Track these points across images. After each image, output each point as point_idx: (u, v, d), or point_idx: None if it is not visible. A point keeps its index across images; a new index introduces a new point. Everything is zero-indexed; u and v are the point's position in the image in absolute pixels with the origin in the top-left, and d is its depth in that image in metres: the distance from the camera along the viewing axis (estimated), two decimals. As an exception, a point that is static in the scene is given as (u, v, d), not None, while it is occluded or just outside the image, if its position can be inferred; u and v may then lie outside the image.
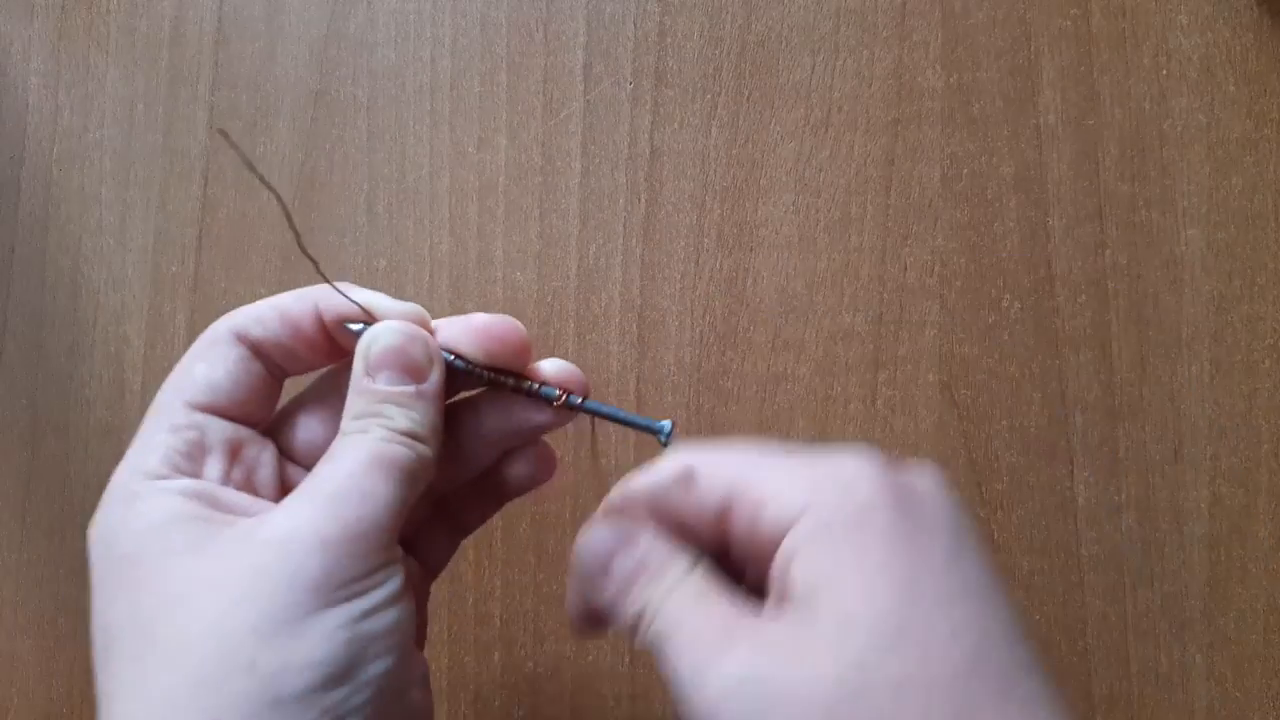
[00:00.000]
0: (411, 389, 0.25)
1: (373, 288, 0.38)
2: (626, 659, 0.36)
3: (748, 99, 0.37)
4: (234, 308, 0.38)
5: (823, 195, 0.36)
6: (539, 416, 0.28)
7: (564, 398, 0.27)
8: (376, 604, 0.23)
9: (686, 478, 0.23)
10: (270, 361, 0.27)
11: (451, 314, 0.37)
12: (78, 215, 0.40)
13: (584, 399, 0.28)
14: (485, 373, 0.27)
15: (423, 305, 0.37)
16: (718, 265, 0.36)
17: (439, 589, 0.36)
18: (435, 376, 0.26)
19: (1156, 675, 0.34)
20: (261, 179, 0.24)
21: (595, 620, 0.24)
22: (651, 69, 0.37)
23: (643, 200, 0.37)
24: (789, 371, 0.36)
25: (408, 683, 0.24)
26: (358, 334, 0.26)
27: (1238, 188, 0.35)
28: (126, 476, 0.24)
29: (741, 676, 0.20)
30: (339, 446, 0.24)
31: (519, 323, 0.27)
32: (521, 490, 0.30)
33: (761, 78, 0.37)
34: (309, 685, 0.21)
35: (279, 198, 0.25)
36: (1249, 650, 0.33)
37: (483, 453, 0.29)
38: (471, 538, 0.37)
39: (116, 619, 0.23)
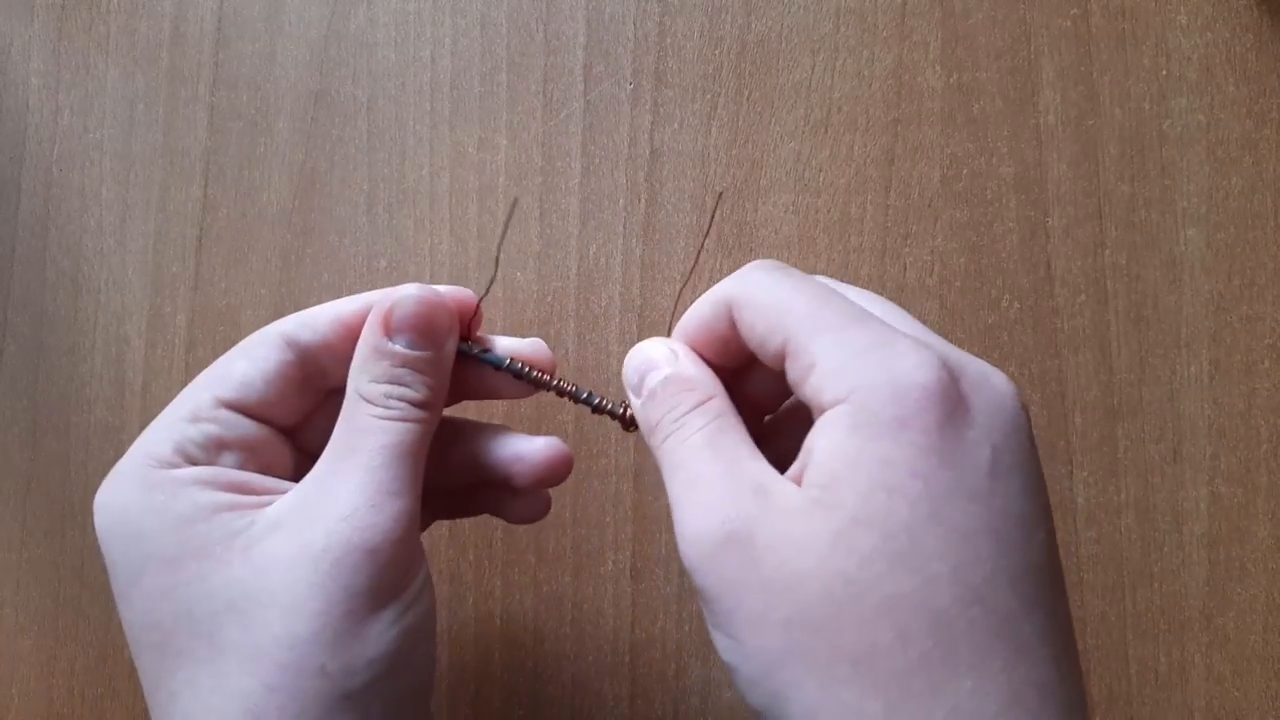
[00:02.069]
0: (430, 354, 0.25)
1: (373, 287, 0.38)
2: (627, 659, 0.36)
3: (748, 99, 0.37)
4: (234, 308, 0.38)
5: (823, 195, 0.36)
6: (509, 390, 0.28)
7: (565, 385, 0.28)
8: (415, 595, 0.24)
9: (747, 304, 0.23)
10: (316, 368, 0.27)
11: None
12: (78, 215, 0.40)
13: (601, 399, 0.28)
14: (514, 365, 0.28)
15: (423, 305, 0.38)
16: (718, 265, 0.37)
17: (440, 589, 0.36)
18: (451, 344, 0.27)
19: (1156, 675, 0.34)
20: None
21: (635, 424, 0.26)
22: (651, 69, 0.38)
23: (643, 200, 0.37)
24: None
25: (435, 650, 0.26)
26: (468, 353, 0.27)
27: (1237, 188, 0.35)
28: (140, 460, 0.25)
29: (728, 536, 0.20)
30: (356, 427, 0.25)
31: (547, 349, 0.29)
32: (513, 521, 0.30)
33: (761, 78, 0.37)
34: (373, 678, 0.23)
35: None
36: (1248, 650, 0.34)
37: (473, 472, 0.29)
38: (471, 539, 0.37)
39: (166, 619, 0.23)
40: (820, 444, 0.20)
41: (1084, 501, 0.34)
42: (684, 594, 0.36)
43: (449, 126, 0.38)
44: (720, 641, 0.21)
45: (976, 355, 0.35)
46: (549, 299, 0.37)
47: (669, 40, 0.38)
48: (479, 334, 0.29)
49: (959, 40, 0.36)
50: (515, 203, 0.36)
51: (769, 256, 0.36)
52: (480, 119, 0.38)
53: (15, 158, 0.40)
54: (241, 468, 0.25)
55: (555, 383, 0.28)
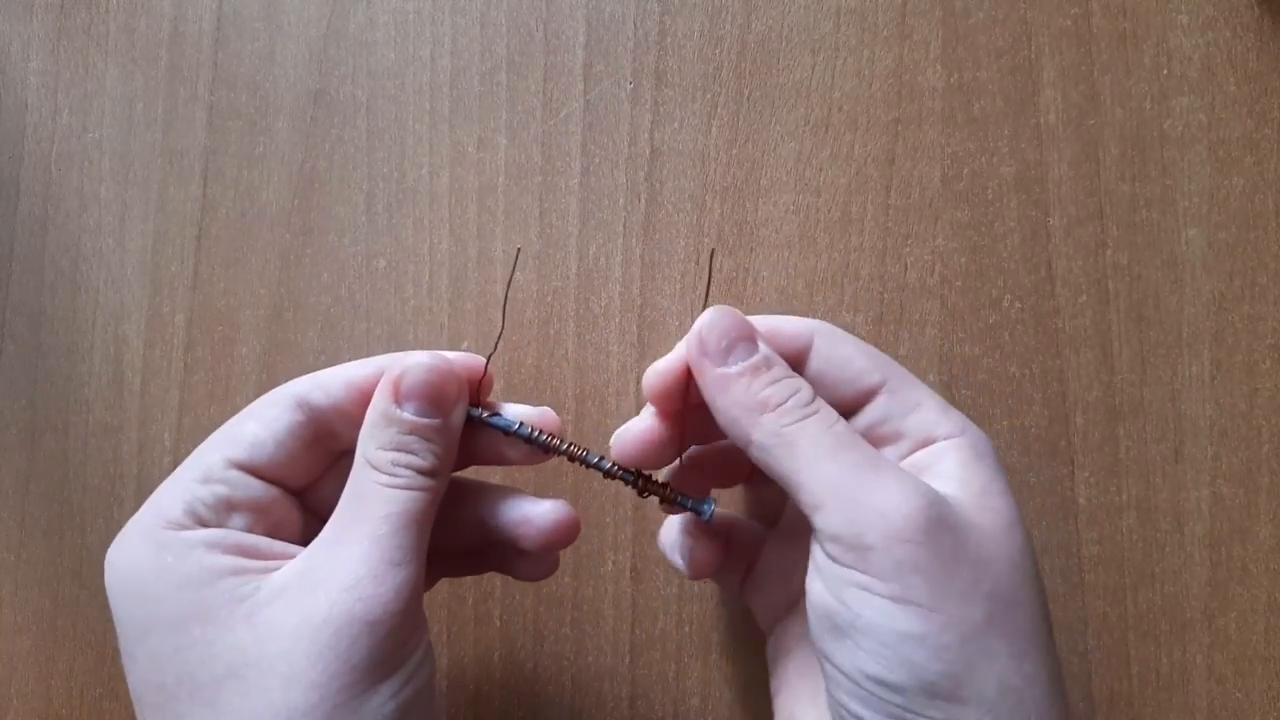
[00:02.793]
0: (438, 422, 0.26)
1: (372, 287, 0.38)
2: (627, 659, 0.36)
3: (748, 99, 0.37)
4: (233, 307, 0.38)
5: (823, 195, 0.36)
6: (513, 454, 0.29)
7: (616, 469, 0.28)
8: (414, 668, 0.24)
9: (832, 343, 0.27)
10: (327, 430, 0.27)
11: (450, 314, 0.37)
12: (77, 215, 0.40)
13: (643, 477, 0.28)
14: (524, 429, 0.28)
15: (422, 305, 0.38)
16: (718, 265, 0.36)
17: (440, 589, 0.36)
18: (460, 412, 0.27)
19: (1157, 676, 0.34)
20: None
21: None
22: (651, 69, 0.37)
23: (643, 200, 0.37)
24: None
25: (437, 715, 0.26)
26: (478, 419, 0.27)
27: (1238, 188, 0.35)
28: (150, 520, 0.25)
29: (938, 516, 0.23)
30: (363, 494, 0.25)
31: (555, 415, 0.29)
32: (520, 578, 0.31)
33: (761, 78, 0.37)
34: None
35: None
36: (1250, 651, 0.33)
37: (480, 534, 0.29)
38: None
39: (169, 680, 0.23)
40: (952, 464, 0.25)
41: (1085, 502, 0.34)
42: (684, 594, 0.36)
43: (448, 126, 0.38)
44: (904, 613, 0.22)
45: (977, 355, 0.35)
46: (549, 299, 0.37)
47: (669, 40, 0.37)
48: (488, 399, 0.29)
49: (960, 40, 0.36)
50: (519, 253, 0.36)
51: (770, 256, 0.36)
52: (480, 118, 0.38)
53: (14, 157, 0.40)
54: (250, 529, 0.26)
55: (565, 447, 0.28)
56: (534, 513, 0.28)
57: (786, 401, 0.24)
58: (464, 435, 0.27)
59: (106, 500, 0.38)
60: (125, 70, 0.40)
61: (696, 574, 0.29)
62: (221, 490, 0.25)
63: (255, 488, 0.26)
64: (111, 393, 0.39)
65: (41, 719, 0.38)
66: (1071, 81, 0.36)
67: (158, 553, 0.24)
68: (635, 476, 0.28)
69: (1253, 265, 0.35)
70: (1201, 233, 0.35)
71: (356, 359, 0.37)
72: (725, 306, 0.26)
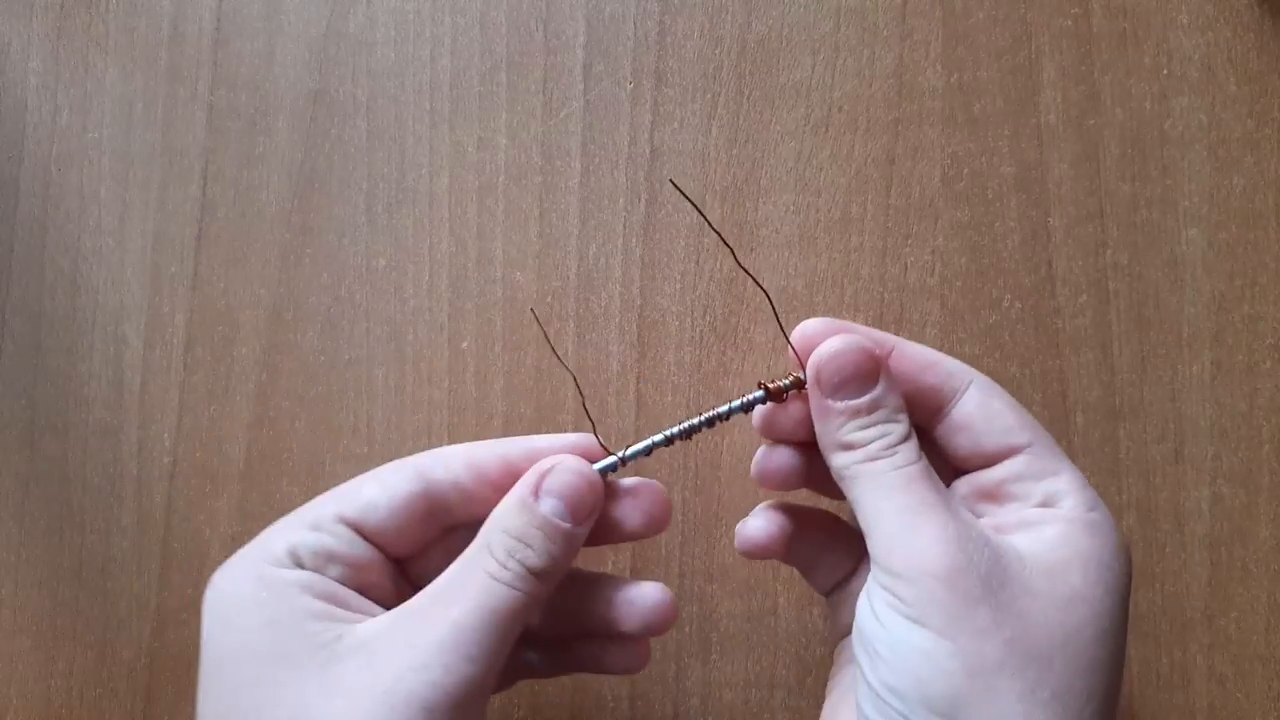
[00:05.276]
0: (567, 527, 0.26)
1: (372, 287, 0.38)
2: (626, 660, 0.36)
3: (748, 99, 0.37)
4: (233, 307, 0.38)
5: (823, 195, 0.36)
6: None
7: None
8: None
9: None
10: (441, 505, 0.27)
11: (450, 314, 0.37)
12: (76, 215, 0.40)
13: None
14: (664, 436, 0.28)
15: (422, 305, 0.38)
16: (718, 265, 0.36)
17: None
18: (589, 524, 0.27)
19: (1158, 676, 0.34)
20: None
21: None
22: (651, 69, 0.37)
23: (643, 200, 0.37)
24: (790, 371, 0.36)
25: None
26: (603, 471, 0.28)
27: (1239, 187, 0.35)
28: (255, 554, 0.26)
29: (968, 562, 0.24)
30: (469, 577, 0.25)
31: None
32: (613, 673, 0.31)
33: (761, 78, 0.37)
34: None
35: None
36: (1250, 651, 0.33)
37: (574, 623, 0.29)
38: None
39: (234, 714, 0.24)
40: (1054, 531, 0.25)
41: (1085, 502, 0.34)
42: (683, 596, 0.36)
43: (448, 126, 0.38)
44: (919, 632, 0.23)
45: (977, 355, 0.35)
46: (549, 299, 0.37)
47: (669, 40, 0.37)
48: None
49: (960, 40, 0.36)
50: (534, 314, 0.37)
51: (770, 256, 0.36)
52: (480, 118, 0.38)
53: (14, 157, 0.40)
54: (343, 582, 0.26)
55: (699, 421, 0.28)
56: (636, 594, 0.28)
57: (870, 445, 0.26)
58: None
59: (106, 500, 0.38)
60: (125, 70, 0.40)
61: (764, 480, 0.29)
62: (327, 540, 0.26)
63: (358, 545, 0.26)
64: (111, 393, 0.39)
65: (41, 719, 0.38)
66: (1071, 81, 0.36)
67: (254, 585, 0.25)
68: (764, 393, 0.28)
69: (1253, 265, 0.35)
70: (1201, 233, 0.35)
71: (356, 359, 0.38)
72: (849, 337, 0.27)
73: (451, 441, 0.37)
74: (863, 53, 0.37)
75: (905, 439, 0.26)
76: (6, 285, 0.40)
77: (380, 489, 0.27)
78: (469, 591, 0.25)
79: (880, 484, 0.25)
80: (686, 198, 0.34)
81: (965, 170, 0.36)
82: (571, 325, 0.37)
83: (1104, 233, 0.35)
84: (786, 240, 0.36)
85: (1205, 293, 0.35)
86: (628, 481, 0.29)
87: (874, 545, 0.25)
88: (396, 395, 0.37)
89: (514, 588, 0.25)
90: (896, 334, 0.35)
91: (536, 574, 0.25)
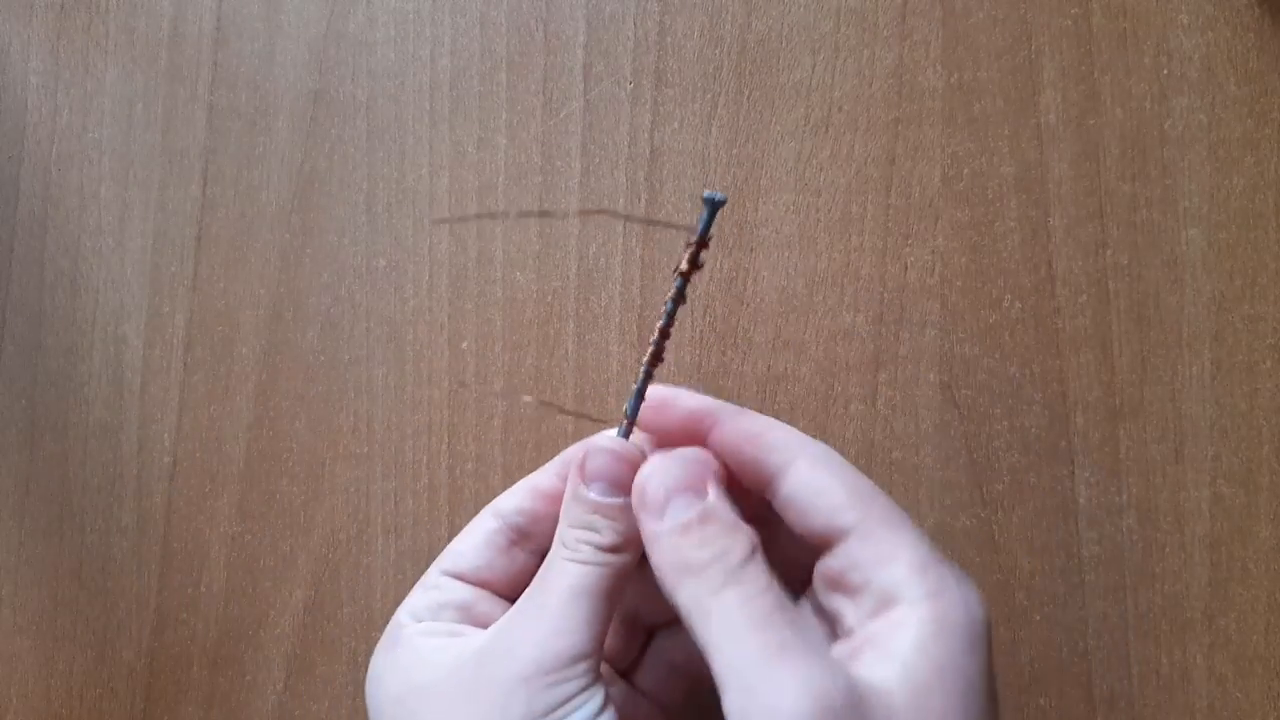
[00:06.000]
0: (620, 501, 0.27)
1: (372, 287, 0.38)
2: (626, 660, 0.36)
3: (748, 99, 0.37)
4: (233, 308, 0.38)
5: (823, 195, 0.36)
6: None
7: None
8: None
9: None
10: (519, 534, 0.29)
11: (450, 314, 0.37)
12: (76, 215, 0.40)
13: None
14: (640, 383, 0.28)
15: (422, 305, 0.38)
16: (718, 265, 0.36)
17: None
18: None
19: (1158, 676, 0.34)
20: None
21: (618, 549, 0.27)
22: (651, 69, 0.37)
23: (643, 200, 0.37)
24: (789, 371, 0.36)
25: None
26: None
27: (1239, 187, 0.35)
28: (391, 624, 0.28)
29: (827, 710, 0.21)
30: (550, 567, 0.27)
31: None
32: None
33: (761, 78, 0.37)
34: None
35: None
36: (1250, 651, 0.33)
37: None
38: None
39: None
40: (905, 642, 0.23)
41: (1085, 502, 0.34)
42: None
43: (448, 126, 0.38)
44: None
45: (977, 355, 0.35)
46: (549, 299, 0.37)
47: (669, 40, 0.37)
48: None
49: (960, 40, 0.36)
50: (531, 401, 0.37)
51: (770, 256, 0.36)
52: (480, 118, 0.38)
53: (14, 157, 0.40)
54: (458, 622, 0.28)
55: (653, 349, 0.28)
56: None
57: (710, 567, 0.24)
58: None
59: (106, 500, 0.38)
60: (125, 70, 0.40)
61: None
62: (436, 594, 0.28)
63: (463, 590, 0.29)
64: (111, 393, 0.39)
65: (41, 719, 0.38)
66: (1071, 81, 0.36)
67: (390, 647, 0.28)
68: (682, 279, 0.27)
69: (1253, 265, 0.35)
70: (1201, 233, 0.35)
71: (356, 359, 0.38)
72: (682, 451, 0.26)
73: (451, 441, 0.37)
74: (863, 53, 0.37)
75: (749, 556, 0.24)
76: (6, 285, 0.40)
77: (465, 536, 0.30)
78: (551, 580, 0.26)
79: (732, 623, 0.23)
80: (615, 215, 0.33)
81: (965, 170, 0.36)
82: (571, 325, 0.37)
83: (1104, 233, 0.35)
84: (786, 240, 0.36)
85: (1205, 293, 0.35)
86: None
87: (728, 702, 0.23)
88: (396, 395, 0.37)
89: (590, 564, 0.26)
90: (897, 334, 0.35)
91: (608, 549, 0.26)
